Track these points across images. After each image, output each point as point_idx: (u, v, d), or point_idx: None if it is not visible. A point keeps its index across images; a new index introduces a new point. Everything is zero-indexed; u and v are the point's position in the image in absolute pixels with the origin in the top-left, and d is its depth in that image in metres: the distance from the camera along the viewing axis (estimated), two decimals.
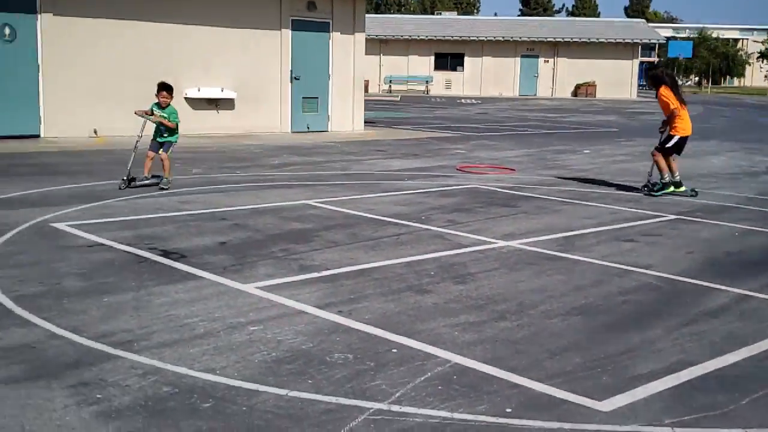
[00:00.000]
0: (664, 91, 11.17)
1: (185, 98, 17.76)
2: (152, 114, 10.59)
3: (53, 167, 12.22)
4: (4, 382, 4.19)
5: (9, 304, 5.49)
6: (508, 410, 4.02)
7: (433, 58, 53.48)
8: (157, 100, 10.68)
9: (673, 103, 11.11)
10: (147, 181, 10.54)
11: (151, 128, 10.83)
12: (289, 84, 19.44)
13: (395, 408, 3.99)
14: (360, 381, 4.32)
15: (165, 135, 10.72)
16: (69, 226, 7.99)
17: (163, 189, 10.42)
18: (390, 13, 73.25)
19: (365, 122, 21.35)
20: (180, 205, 9.36)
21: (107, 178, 11.16)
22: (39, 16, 15.75)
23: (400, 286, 6.26)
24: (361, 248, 7.49)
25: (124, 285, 6.06)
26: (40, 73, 15.83)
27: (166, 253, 7.03)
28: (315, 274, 6.52)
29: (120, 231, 7.85)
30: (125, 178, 10.34)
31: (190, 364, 4.53)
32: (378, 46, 50.56)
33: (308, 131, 19.80)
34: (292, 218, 8.80)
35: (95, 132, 16.50)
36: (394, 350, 4.82)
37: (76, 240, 7.44)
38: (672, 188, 11.29)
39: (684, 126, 11.30)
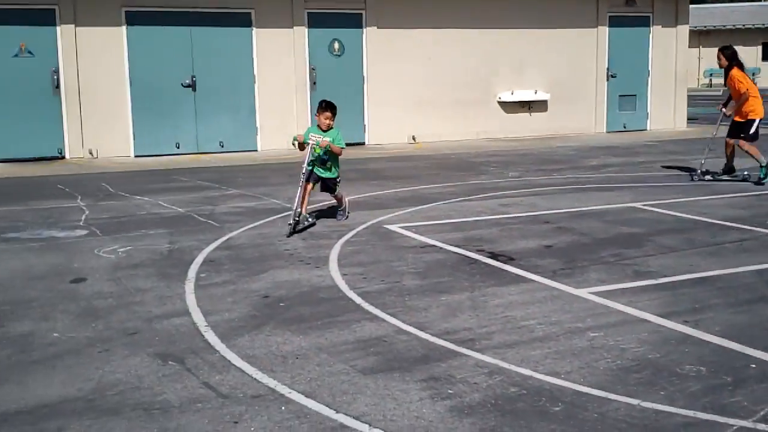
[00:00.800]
0: (737, 73, 11.09)
1: (498, 102, 18.02)
2: (304, 143, 8.42)
3: (379, 172, 12.91)
4: (363, 372, 4.48)
5: (357, 299, 5.87)
6: None
7: (760, 48, 49.55)
8: (317, 123, 8.63)
9: (745, 84, 11.05)
10: (308, 223, 8.48)
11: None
12: (605, 82, 19.01)
13: (761, 427, 3.71)
14: (717, 396, 4.08)
15: (327, 165, 8.54)
16: (401, 227, 8.40)
17: (340, 219, 8.87)
18: (709, 2, 68.97)
19: (687, 119, 20.28)
20: (501, 208, 9.48)
21: (428, 183, 11.59)
22: (364, 30, 16.75)
23: (750, 296, 5.84)
24: (700, 254, 7.10)
25: (459, 285, 6.25)
26: (365, 85, 16.83)
27: (494, 255, 7.14)
28: (652, 281, 6.28)
29: (448, 233, 8.10)
30: (292, 222, 8.17)
31: (534, 367, 4.55)
32: (697, 38, 47.83)
33: (624, 131, 19.23)
34: (619, 222, 8.56)
35: (414, 138, 17.25)
36: (753, 365, 4.49)
37: (409, 241, 7.80)
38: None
39: (760, 108, 11.22)
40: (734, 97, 11.31)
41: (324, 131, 8.50)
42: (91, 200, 10.14)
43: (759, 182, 11.01)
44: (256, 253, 7.33)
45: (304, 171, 8.34)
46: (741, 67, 11.23)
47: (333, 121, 8.58)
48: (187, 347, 4.89)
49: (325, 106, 8.57)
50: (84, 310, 5.65)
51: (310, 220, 8.51)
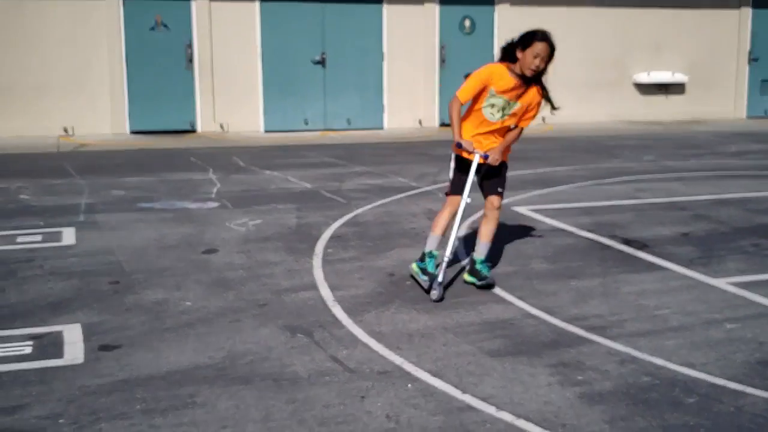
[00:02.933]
0: (540, 95, 5.47)
1: (634, 84, 17.45)
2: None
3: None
4: (489, 354, 4.42)
5: None
6: None
7: None
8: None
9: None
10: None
11: None
12: (746, 66, 18.11)
13: None
14: None
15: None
16: (529, 209, 8.24)
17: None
18: None
19: None
20: (635, 193, 9.18)
21: (557, 165, 11.35)
22: (496, 7, 16.50)
23: None
24: None
25: (589, 270, 6.08)
26: None
27: (627, 242, 6.92)
28: None
29: (578, 217, 7.90)
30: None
31: (668, 357, 4.40)
32: None
33: (766, 116, 18.28)
34: (761, 211, 8.14)
35: (543, 119, 16.89)
36: None
37: (537, 224, 7.64)
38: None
39: None
40: (518, 125, 5.59)
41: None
42: (223, 173, 10.41)
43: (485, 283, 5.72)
44: (382, 230, 7.35)
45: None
46: None
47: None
48: (315, 321, 4.95)
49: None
50: (215, 280, 5.80)
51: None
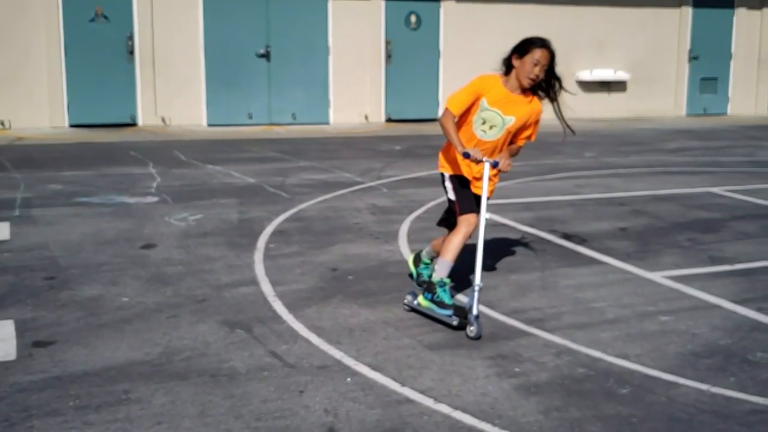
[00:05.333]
0: (539, 110, 5.11)
1: (577, 81, 17.67)
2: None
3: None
4: (429, 348, 4.45)
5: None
6: None
7: None
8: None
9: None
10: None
11: None
12: (686, 64, 18.49)
13: None
14: None
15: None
16: None
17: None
18: None
19: None
20: (576, 189, 9.31)
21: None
22: (442, 3, 16.57)
23: None
24: None
25: (529, 265, 6.15)
26: (440, 60, 16.67)
27: (566, 236, 7.02)
28: (727, 267, 6.12)
29: (519, 212, 7.99)
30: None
31: (603, 348, 4.47)
32: None
33: (704, 114, 18.70)
34: (696, 206, 8.33)
35: None
36: None
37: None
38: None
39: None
40: (517, 142, 5.20)
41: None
42: (163, 168, 10.28)
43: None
44: (325, 225, 7.34)
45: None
46: None
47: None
48: (255, 316, 4.91)
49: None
50: (153, 276, 5.72)
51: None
